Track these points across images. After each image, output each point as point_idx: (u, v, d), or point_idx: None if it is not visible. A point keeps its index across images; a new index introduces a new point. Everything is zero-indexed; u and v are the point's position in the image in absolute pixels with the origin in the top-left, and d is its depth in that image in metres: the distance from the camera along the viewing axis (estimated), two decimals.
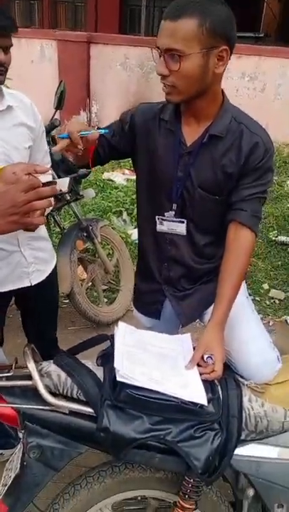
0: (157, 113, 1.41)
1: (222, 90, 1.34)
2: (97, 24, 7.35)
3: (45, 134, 1.71)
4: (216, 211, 1.40)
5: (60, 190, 1.00)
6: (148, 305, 1.64)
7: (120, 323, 1.36)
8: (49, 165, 1.77)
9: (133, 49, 6.22)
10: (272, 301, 3.36)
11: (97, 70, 6.52)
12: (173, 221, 1.43)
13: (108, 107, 6.46)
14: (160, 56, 1.20)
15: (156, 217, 1.46)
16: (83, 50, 6.36)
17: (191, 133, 1.35)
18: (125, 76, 6.36)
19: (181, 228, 1.43)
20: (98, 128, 1.33)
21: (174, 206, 1.41)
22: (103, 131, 1.30)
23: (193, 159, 1.34)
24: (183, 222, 1.42)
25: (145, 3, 7.55)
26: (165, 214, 1.43)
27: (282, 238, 3.91)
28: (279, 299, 3.36)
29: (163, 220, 1.45)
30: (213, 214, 1.41)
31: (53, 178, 1.00)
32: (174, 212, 1.42)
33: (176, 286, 1.55)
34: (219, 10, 1.16)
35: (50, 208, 0.96)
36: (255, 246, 3.88)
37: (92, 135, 1.23)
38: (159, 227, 1.46)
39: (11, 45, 1.42)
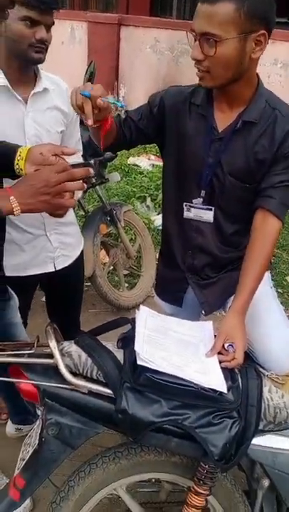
0: (188, 97, 1.37)
1: (257, 74, 1.30)
2: (129, 6, 7.25)
3: (78, 121, 1.69)
4: (246, 199, 1.37)
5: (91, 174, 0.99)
6: (170, 292, 1.63)
7: (142, 307, 1.36)
8: (80, 152, 1.77)
9: (164, 32, 6.12)
10: None
11: (126, 52, 6.45)
12: (201, 208, 1.41)
13: (136, 90, 6.40)
14: (195, 40, 1.17)
15: (184, 203, 1.44)
16: (113, 33, 6.30)
17: (223, 118, 1.33)
18: (155, 59, 6.28)
19: (208, 216, 1.41)
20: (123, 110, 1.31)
21: (203, 193, 1.39)
22: (119, 104, 1.23)
23: (224, 146, 1.32)
24: (211, 209, 1.40)
25: None
26: (193, 201, 1.41)
27: None
28: None
29: (191, 206, 1.43)
30: (243, 202, 1.38)
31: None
32: (202, 199, 1.40)
33: (199, 274, 1.53)
34: None
35: (82, 190, 0.96)
36: (280, 237, 3.81)
37: (107, 103, 1.13)
38: (186, 214, 1.44)
39: (53, 23, 1.40)
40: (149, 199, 4.11)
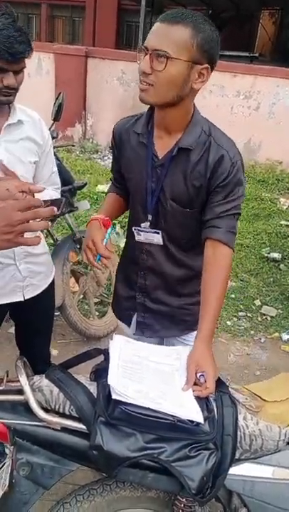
0: (130, 126, 1.45)
1: (194, 104, 1.36)
2: (95, 39, 7.45)
3: (52, 151, 1.71)
4: (189, 223, 1.42)
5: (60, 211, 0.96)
6: (122, 309, 1.67)
7: (116, 336, 1.34)
8: (58, 185, 1.78)
9: (130, 64, 6.29)
10: (263, 317, 3.35)
11: (93, 83, 6.58)
12: (149, 232, 1.46)
13: (103, 120, 6.51)
14: (145, 55, 1.22)
15: (134, 227, 1.49)
16: (80, 64, 6.43)
17: (162, 145, 1.37)
18: (122, 90, 6.42)
19: (158, 239, 1.46)
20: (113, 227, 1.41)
21: (150, 217, 1.44)
22: (117, 237, 1.36)
23: (165, 172, 1.37)
24: (158, 233, 1.45)
25: (143, 19, 7.66)
26: (141, 225, 1.46)
27: (274, 255, 3.93)
28: (271, 316, 3.36)
29: (140, 230, 1.47)
30: (186, 226, 1.43)
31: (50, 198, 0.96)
32: (149, 223, 1.45)
33: (150, 296, 1.57)
34: (209, 30, 1.21)
35: (47, 228, 0.91)
36: (248, 262, 3.89)
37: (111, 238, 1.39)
38: (137, 237, 1.49)
39: (24, 66, 1.42)
40: (118, 226, 4.13)
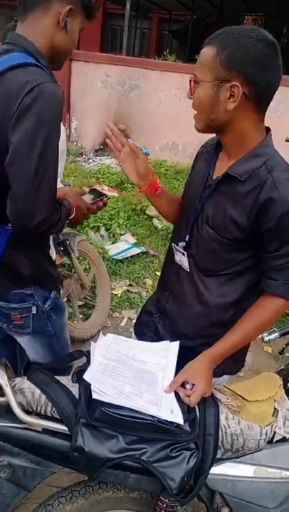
0: (207, 144, 1.41)
1: (267, 134, 1.25)
2: (79, 42, 7.46)
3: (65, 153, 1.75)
4: (219, 253, 1.28)
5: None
6: (140, 322, 1.58)
7: (109, 334, 1.34)
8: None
9: (114, 67, 6.31)
10: None
11: (78, 86, 6.58)
12: (182, 252, 1.36)
13: (87, 123, 6.50)
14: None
15: (173, 243, 1.41)
16: (65, 67, 6.36)
17: (220, 168, 1.29)
18: (106, 94, 6.43)
19: (186, 263, 1.36)
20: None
21: (187, 238, 1.34)
22: (145, 151, 1.30)
23: (210, 194, 1.29)
24: (185, 256, 1.35)
25: (127, 23, 7.69)
26: (178, 244, 1.37)
27: None
28: None
29: (176, 249, 1.38)
30: (215, 255, 1.30)
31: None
32: (184, 244, 1.35)
33: (164, 320, 1.47)
34: (247, 45, 1.10)
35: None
36: None
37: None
38: (175, 256, 1.40)
39: None
40: (103, 228, 4.13)
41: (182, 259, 1.36)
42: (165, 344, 1.36)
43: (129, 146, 1.28)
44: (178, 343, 1.33)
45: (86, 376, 1.13)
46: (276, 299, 1.26)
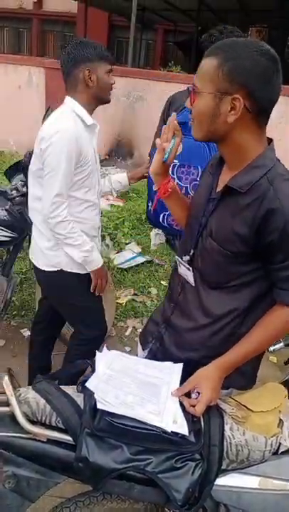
0: (213, 157, 1.40)
1: (268, 145, 1.24)
2: None
3: None
4: (223, 266, 1.27)
5: None
6: (146, 331, 1.57)
7: (114, 351, 1.34)
8: None
9: (120, 79, 6.35)
10: None
11: None
12: (186, 267, 1.35)
13: None
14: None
15: (177, 257, 1.42)
16: None
17: (223, 180, 1.28)
18: (112, 105, 6.44)
19: (191, 277, 1.35)
20: None
21: (192, 252, 1.34)
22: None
23: (214, 207, 1.28)
24: (191, 270, 1.34)
25: (133, 35, 7.77)
26: (183, 257, 1.37)
27: None
28: None
29: (180, 262, 1.38)
30: (220, 268, 1.28)
31: None
32: (189, 258, 1.35)
33: (169, 330, 1.45)
34: (249, 58, 1.10)
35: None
36: None
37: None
38: (178, 269, 1.41)
39: None
40: (108, 238, 4.14)
41: (187, 274, 1.36)
42: (169, 364, 1.35)
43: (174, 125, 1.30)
44: (181, 365, 1.32)
45: (89, 384, 1.13)
46: (287, 308, 1.26)
